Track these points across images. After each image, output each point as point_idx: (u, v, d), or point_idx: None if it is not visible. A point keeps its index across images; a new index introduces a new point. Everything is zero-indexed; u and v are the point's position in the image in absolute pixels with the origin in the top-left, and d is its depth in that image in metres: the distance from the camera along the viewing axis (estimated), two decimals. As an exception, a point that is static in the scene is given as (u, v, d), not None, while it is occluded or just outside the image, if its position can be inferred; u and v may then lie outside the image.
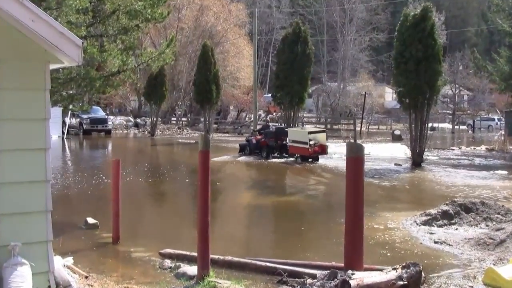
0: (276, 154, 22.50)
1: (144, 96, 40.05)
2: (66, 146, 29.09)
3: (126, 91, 47.90)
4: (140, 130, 43.02)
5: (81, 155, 25.73)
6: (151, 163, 21.56)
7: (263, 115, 51.18)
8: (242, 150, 23.19)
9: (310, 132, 21.48)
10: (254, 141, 22.89)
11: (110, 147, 30.86)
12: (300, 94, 27.54)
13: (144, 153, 27.53)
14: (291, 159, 21.60)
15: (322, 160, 21.30)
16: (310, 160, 21.12)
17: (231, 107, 55.83)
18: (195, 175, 16.07)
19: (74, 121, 37.07)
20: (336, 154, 23.40)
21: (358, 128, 38.11)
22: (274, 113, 51.38)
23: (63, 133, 33.55)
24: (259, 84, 56.76)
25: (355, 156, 5.34)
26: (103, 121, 37.41)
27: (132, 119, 47.54)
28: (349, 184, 5.33)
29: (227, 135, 40.15)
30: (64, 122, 34.43)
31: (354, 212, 5.32)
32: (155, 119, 38.56)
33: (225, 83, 46.37)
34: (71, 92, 11.63)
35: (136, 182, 15.62)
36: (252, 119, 38.25)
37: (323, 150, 21.16)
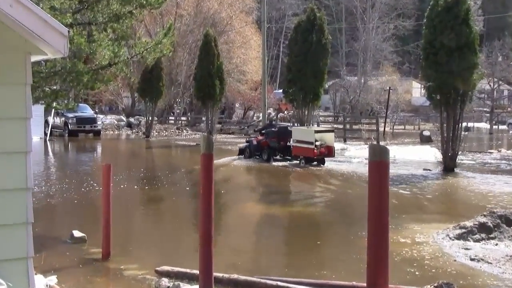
0: (278, 157, 22.73)
1: (138, 93, 40.16)
2: (49, 149, 29.21)
3: (118, 86, 47.99)
4: (134, 130, 43.12)
5: (66, 159, 25.83)
6: (146, 168, 21.61)
7: (273, 113, 51.12)
8: (242, 152, 23.44)
9: (316, 131, 21.73)
10: (255, 142, 23.12)
11: (99, 150, 30.94)
12: (315, 90, 27.52)
13: (139, 157, 27.60)
14: (296, 161, 21.76)
15: (328, 164, 21.42)
16: (315, 163, 21.34)
17: (237, 105, 55.87)
18: (196, 181, 16.07)
19: (58, 120, 37.20)
20: (356, 158, 23.36)
21: (381, 128, 38.02)
22: (285, 112, 51.30)
23: (45, 134, 33.70)
24: (269, 78, 56.69)
25: (379, 160, 5.29)
26: (92, 120, 37.55)
27: (124, 119, 47.68)
28: (372, 192, 5.29)
29: (232, 136, 40.17)
30: (46, 122, 34.59)
31: (378, 224, 5.28)
32: (150, 118, 38.65)
33: (230, 77, 46.38)
34: (55, 87, 11.65)
35: (130, 190, 15.65)
36: (261, 118, 38.25)
37: (329, 152, 21.41)
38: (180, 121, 49.65)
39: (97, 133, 37.53)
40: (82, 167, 21.86)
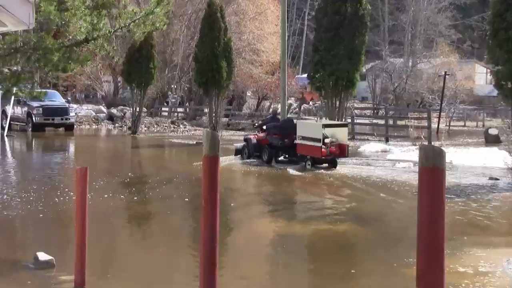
0: (282, 157, 23.37)
1: (123, 76, 40.31)
2: (7, 148, 29.31)
3: (97, 68, 48.22)
4: (117, 125, 43.30)
5: (30, 161, 25.92)
6: (133, 174, 21.63)
7: (294, 104, 51.17)
8: (239, 152, 24.15)
9: (325, 126, 22.25)
10: (254, 140, 23.77)
11: (72, 149, 31.02)
12: (350, 75, 27.48)
13: (123, 158, 27.69)
14: (304, 163, 22.21)
15: (347, 167, 21.96)
16: (324, 165, 21.96)
17: (249, 93, 55.91)
18: (197, 191, 16.07)
19: (19, 111, 37.40)
20: (401, 163, 23.27)
21: (434, 125, 37.86)
22: (310, 102, 51.32)
23: (2, 128, 33.84)
24: (290, 60, 56.69)
25: (432, 166, 5.26)
26: (63, 111, 37.64)
27: (104, 109, 47.92)
28: (423, 207, 5.26)
29: (242, 133, 40.14)
30: (4, 113, 34.72)
31: (431, 248, 5.25)
32: (138, 109, 38.71)
33: (241, 58, 46.42)
34: (15, 68, 11.68)
35: (111, 201, 15.65)
36: (279, 110, 38.21)
37: (342, 151, 22.00)
38: (176, 114, 49.75)
39: (69, 128, 37.72)
40: (50, 171, 21.93)
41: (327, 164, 21.94)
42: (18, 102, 36.10)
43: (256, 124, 27.93)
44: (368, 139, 34.35)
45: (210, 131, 6.73)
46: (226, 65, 32.41)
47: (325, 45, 27.43)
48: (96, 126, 43.17)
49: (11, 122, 35.54)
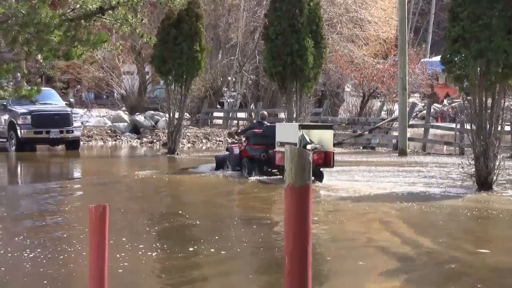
0: (268, 170, 27.36)
1: (154, 65, 40.32)
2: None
3: (114, 53, 48.58)
4: (145, 140, 43.56)
5: (15, 200, 25.99)
6: (173, 216, 21.60)
7: (420, 105, 50.90)
8: (220, 165, 28.66)
9: (303, 126, 25.58)
10: (237, 150, 28.01)
11: (78, 179, 31.05)
12: (509, 57, 27.09)
13: (158, 193, 27.43)
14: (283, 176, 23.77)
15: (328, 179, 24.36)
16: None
17: (348, 88, 55.84)
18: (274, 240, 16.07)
19: (-2, 119, 37.85)
20: None
21: None
22: (445, 100, 51.03)
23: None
24: (412, 34, 56.41)
25: None
26: (63, 119, 38.00)
27: (126, 116, 48.14)
28: None
29: (339, 149, 40.02)
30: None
31: None
32: (177, 115, 38.48)
33: (335, 33, 46.47)
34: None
35: (146, 257, 15.70)
36: (396, 113, 38.06)
37: (327, 160, 26.13)
38: (236, 121, 49.97)
39: (72, 145, 38.30)
40: (47, 214, 22.05)
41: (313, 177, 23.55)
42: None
43: (238, 131, 32.99)
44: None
45: (296, 148, 6.72)
46: (313, 44, 32.36)
47: (468, 10, 27.14)
48: (114, 142, 43.49)
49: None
